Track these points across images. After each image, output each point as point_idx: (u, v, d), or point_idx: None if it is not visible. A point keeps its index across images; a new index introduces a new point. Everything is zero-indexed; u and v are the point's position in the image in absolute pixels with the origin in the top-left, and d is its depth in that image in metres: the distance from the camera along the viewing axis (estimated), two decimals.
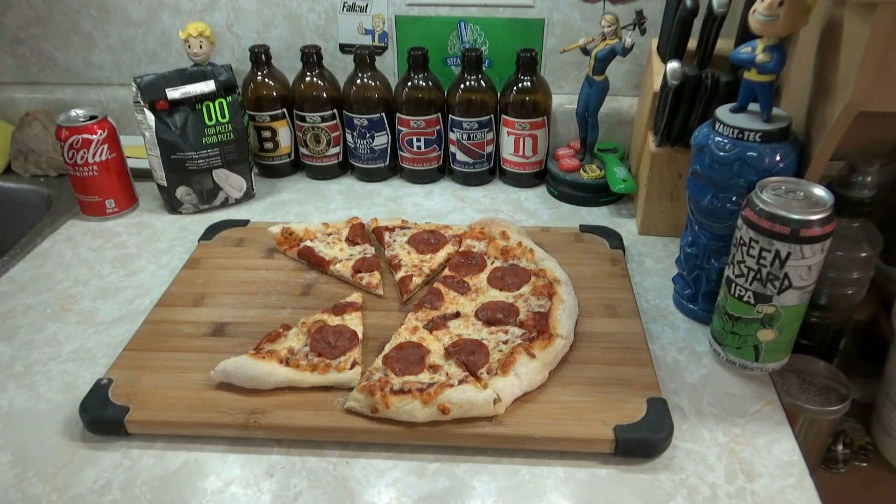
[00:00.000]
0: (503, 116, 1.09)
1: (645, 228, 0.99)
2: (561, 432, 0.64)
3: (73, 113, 1.01)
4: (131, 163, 1.06)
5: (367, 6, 1.15)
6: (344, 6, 1.15)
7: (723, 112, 0.73)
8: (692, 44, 0.88)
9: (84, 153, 0.99)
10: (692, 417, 0.68)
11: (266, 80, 1.11)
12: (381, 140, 1.12)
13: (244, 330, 0.79)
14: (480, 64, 1.07)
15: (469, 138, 1.10)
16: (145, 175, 1.06)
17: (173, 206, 1.05)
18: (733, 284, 0.69)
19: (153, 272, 0.92)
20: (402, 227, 0.96)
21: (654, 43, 1.01)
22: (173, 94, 0.99)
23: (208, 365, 0.70)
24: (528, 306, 0.78)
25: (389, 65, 1.19)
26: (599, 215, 1.05)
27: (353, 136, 1.12)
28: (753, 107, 0.73)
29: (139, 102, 0.98)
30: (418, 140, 1.11)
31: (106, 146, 1.00)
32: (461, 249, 0.91)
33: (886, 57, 0.58)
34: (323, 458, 0.65)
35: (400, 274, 0.87)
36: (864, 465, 0.80)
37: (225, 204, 1.08)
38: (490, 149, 1.12)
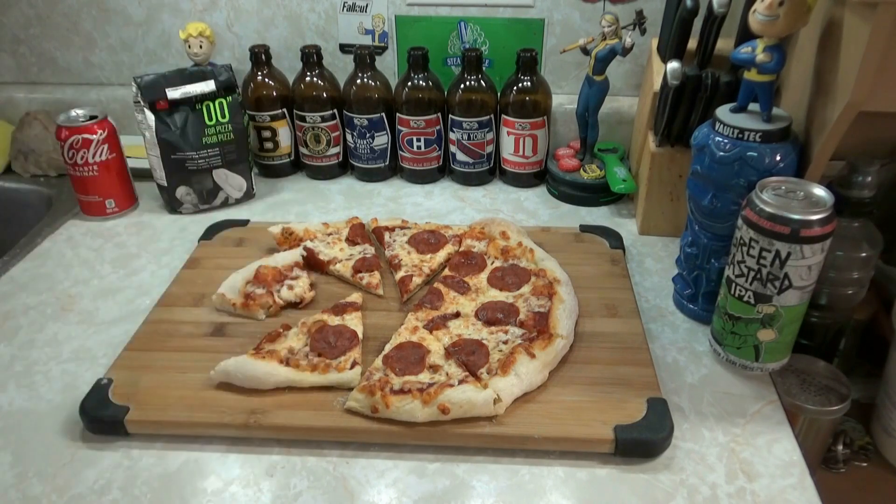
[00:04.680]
0: (503, 116, 1.09)
1: (645, 228, 0.99)
2: (561, 432, 0.64)
3: (73, 113, 1.01)
4: (131, 163, 1.06)
5: (367, 6, 1.15)
6: (344, 6, 1.15)
7: (723, 112, 0.73)
8: (692, 44, 0.88)
9: (84, 153, 0.99)
10: (692, 417, 0.68)
11: (266, 80, 1.11)
12: (381, 140, 1.12)
13: (244, 330, 0.79)
14: (480, 64, 1.07)
15: (469, 138, 1.10)
16: (145, 175, 1.06)
17: (173, 206, 1.05)
18: (733, 284, 0.69)
19: (153, 272, 0.92)
20: (402, 227, 0.96)
21: (654, 43, 1.01)
22: (173, 94, 0.99)
23: (208, 365, 0.70)
24: (528, 306, 0.78)
25: (389, 65, 1.19)
26: (599, 215, 1.05)
27: (353, 136, 1.13)
28: (753, 107, 0.73)
29: (139, 102, 0.98)
30: (418, 140, 1.11)
31: (106, 146, 1.00)
32: (461, 249, 0.91)
33: (886, 57, 0.58)
34: (323, 458, 0.65)
35: (400, 274, 0.87)
36: (864, 465, 0.80)
37: (225, 204, 1.08)
38: (490, 149, 1.12)
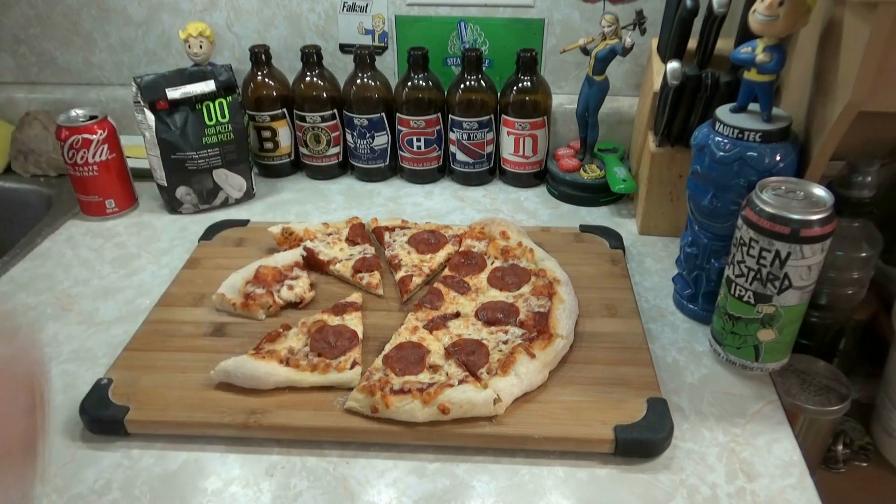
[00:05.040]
0: (503, 116, 1.09)
1: (645, 228, 0.99)
2: (561, 432, 0.64)
3: (73, 113, 1.01)
4: (131, 163, 1.06)
5: (367, 6, 1.15)
6: (344, 6, 1.15)
7: (723, 112, 0.73)
8: (692, 44, 0.88)
9: (84, 153, 0.99)
10: (692, 417, 0.68)
11: (266, 80, 1.11)
12: (381, 140, 1.12)
13: (244, 330, 0.79)
14: (480, 64, 1.07)
15: (469, 138, 1.10)
16: (145, 175, 1.06)
17: (173, 206, 1.05)
18: (733, 284, 0.69)
19: (153, 272, 0.92)
20: (402, 227, 0.96)
21: (654, 43, 1.01)
22: (173, 94, 0.99)
23: (208, 365, 0.70)
24: (528, 306, 0.78)
25: (389, 65, 1.19)
26: (599, 215, 1.05)
27: (353, 136, 1.13)
28: (753, 107, 0.73)
29: (139, 102, 0.98)
30: (418, 140, 1.11)
31: (106, 146, 1.00)
32: (461, 249, 0.91)
33: (886, 57, 0.58)
34: (323, 458, 0.65)
35: (400, 274, 0.87)
36: (864, 465, 0.80)
37: (225, 204, 1.08)
38: (490, 149, 1.12)
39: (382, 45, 1.18)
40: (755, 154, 0.69)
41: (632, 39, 0.95)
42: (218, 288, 0.82)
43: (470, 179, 1.14)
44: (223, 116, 1.02)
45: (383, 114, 1.10)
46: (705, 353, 0.77)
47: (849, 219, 0.73)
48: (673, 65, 0.82)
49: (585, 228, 0.97)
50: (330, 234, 0.94)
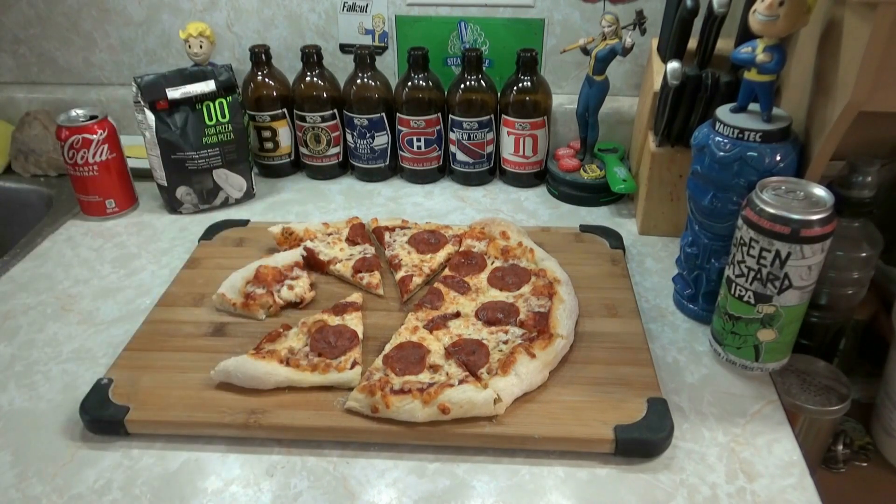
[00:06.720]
0: (503, 116, 1.09)
1: (645, 228, 0.99)
2: (561, 432, 0.64)
3: (73, 113, 1.01)
4: (131, 163, 1.06)
5: (367, 6, 1.15)
6: (344, 6, 1.15)
7: (723, 112, 0.73)
8: (692, 44, 0.88)
9: (84, 153, 0.99)
10: (692, 417, 0.68)
11: (266, 80, 1.11)
12: (381, 140, 1.12)
13: (244, 330, 0.79)
14: (480, 64, 1.07)
15: (469, 138, 1.10)
16: (145, 175, 1.06)
17: (173, 206, 1.05)
18: (733, 284, 0.69)
19: (153, 272, 0.92)
20: (402, 227, 0.96)
21: (654, 43, 1.01)
22: (173, 93, 0.99)
23: (208, 365, 0.70)
24: (529, 306, 0.78)
25: (389, 65, 1.19)
26: (599, 215, 1.05)
27: (353, 136, 1.13)
28: (753, 107, 0.73)
29: (139, 102, 0.98)
30: (418, 140, 1.11)
31: (106, 146, 1.00)
32: (461, 249, 0.91)
33: (886, 57, 0.58)
34: (323, 457, 0.65)
35: (400, 274, 0.87)
36: (864, 465, 0.80)
37: (225, 204, 1.08)
38: (490, 149, 1.12)
39: (382, 45, 1.18)
40: (755, 154, 0.69)
41: (632, 39, 0.95)
42: (218, 288, 0.82)
43: (470, 179, 1.14)
44: (223, 116, 1.02)
45: (383, 114, 1.10)
46: (705, 353, 0.77)
47: (849, 219, 0.73)
48: (673, 65, 0.82)
49: (585, 228, 0.97)
50: (330, 234, 0.94)
